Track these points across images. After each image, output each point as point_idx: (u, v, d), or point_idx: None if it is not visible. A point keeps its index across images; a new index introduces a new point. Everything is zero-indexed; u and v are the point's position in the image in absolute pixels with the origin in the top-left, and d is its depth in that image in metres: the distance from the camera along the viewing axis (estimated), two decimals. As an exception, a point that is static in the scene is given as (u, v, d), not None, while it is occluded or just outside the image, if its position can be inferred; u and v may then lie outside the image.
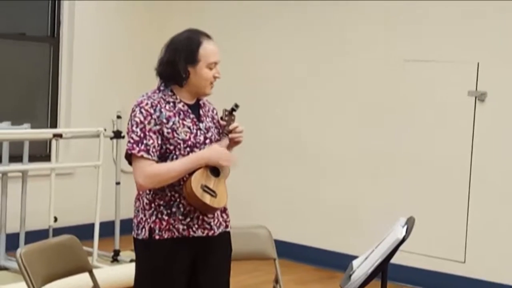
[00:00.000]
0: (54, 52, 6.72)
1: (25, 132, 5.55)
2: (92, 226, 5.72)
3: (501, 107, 5.40)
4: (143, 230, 3.01)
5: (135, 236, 3.06)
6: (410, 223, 2.80)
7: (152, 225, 2.98)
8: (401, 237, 2.64)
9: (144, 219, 3.01)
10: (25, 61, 6.69)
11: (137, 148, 2.94)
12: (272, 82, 6.62)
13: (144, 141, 2.94)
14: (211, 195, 2.97)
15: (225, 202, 3.06)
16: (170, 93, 3.04)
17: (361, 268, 2.75)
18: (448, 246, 5.60)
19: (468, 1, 5.54)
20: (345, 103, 6.21)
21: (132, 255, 6.13)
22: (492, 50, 5.43)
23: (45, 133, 5.88)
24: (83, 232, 5.55)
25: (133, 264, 5.73)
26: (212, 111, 3.18)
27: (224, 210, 3.12)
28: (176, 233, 2.98)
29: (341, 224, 6.18)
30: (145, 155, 2.94)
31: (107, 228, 6.06)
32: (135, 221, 3.06)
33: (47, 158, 6.31)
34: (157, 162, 2.96)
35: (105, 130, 5.81)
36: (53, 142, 5.88)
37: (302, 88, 6.46)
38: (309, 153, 6.41)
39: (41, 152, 6.50)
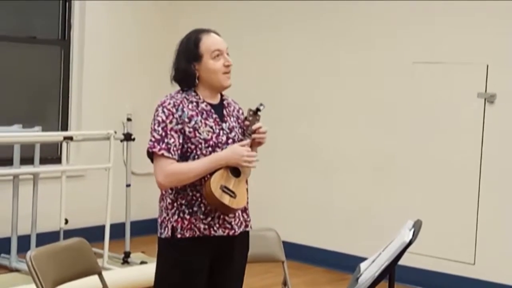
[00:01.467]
0: (65, 55, 6.76)
1: (36, 135, 5.60)
2: (102, 228, 5.75)
3: (511, 109, 5.39)
4: (166, 229, 3.03)
5: (158, 235, 3.09)
6: (417, 226, 2.80)
7: (174, 224, 3.01)
8: (407, 240, 2.64)
9: (167, 218, 3.04)
10: (36, 64, 6.73)
11: (158, 147, 2.97)
12: (282, 85, 6.64)
13: (165, 140, 2.97)
14: (230, 196, 2.97)
15: (245, 203, 3.08)
16: (193, 93, 3.07)
17: (368, 270, 2.76)
18: (458, 248, 5.60)
19: (477, 4, 5.53)
20: (354, 106, 6.21)
21: (143, 257, 6.17)
22: (501, 52, 5.42)
23: (56, 135, 5.94)
24: (94, 234, 5.59)
25: (143, 266, 5.79)
26: (238, 111, 3.19)
27: (244, 210, 3.14)
28: (198, 232, 3.00)
29: (351, 226, 6.18)
30: (166, 153, 2.96)
31: (117, 230, 6.09)
32: (159, 220, 3.09)
33: (58, 160, 6.35)
34: (178, 161, 2.98)
35: (115, 132, 5.84)
36: (64, 144, 5.92)
37: (311, 91, 6.47)
38: (318, 155, 6.41)
39: (52, 154, 6.54)
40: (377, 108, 6.06)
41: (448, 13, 5.68)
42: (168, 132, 2.98)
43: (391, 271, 2.72)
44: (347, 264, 5.74)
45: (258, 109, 3.12)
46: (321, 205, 6.38)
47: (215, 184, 2.95)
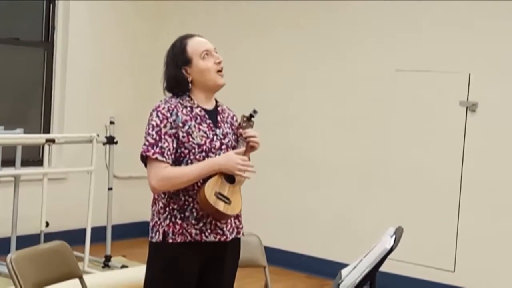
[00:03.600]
0: (48, 57, 6.73)
1: (18, 137, 5.56)
2: (83, 231, 5.73)
3: (492, 118, 5.44)
4: (157, 233, 3.03)
5: (149, 239, 3.09)
6: (398, 233, 2.82)
7: (166, 229, 3.01)
8: (389, 247, 2.66)
9: (158, 222, 3.04)
10: (19, 66, 6.70)
11: (152, 151, 2.97)
12: (266, 91, 6.65)
13: (159, 144, 2.97)
14: (225, 202, 2.98)
15: (239, 209, 3.07)
16: (187, 98, 3.08)
17: (350, 277, 2.77)
18: (438, 255, 5.63)
19: (459, 12, 5.58)
20: (337, 113, 6.23)
21: (123, 260, 6.15)
22: (483, 61, 5.47)
23: (38, 138, 5.90)
24: (75, 237, 5.56)
25: (124, 270, 5.77)
26: (232, 118, 3.20)
27: (237, 216, 3.13)
28: (189, 237, 3.00)
29: (332, 232, 6.20)
30: (160, 157, 2.96)
31: (98, 234, 6.07)
32: (150, 224, 3.09)
33: (39, 163, 6.32)
34: (171, 165, 2.99)
35: (98, 135, 5.82)
36: (46, 147, 5.90)
37: (294, 98, 6.48)
38: (301, 161, 6.43)
39: (33, 157, 6.51)
40: (360, 115, 6.08)
41: (431, 22, 5.72)
42: (162, 136, 2.97)
43: (372, 277, 2.74)
44: (329, 270, 5.76)
45: (251, 115, 3.15)
46: (303, 211, 6.39)
47: (209, 190, 2.95)
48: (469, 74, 5.50)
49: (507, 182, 5.35)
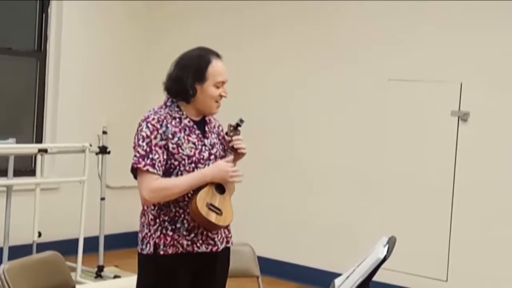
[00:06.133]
0: (40, 67, 6.72)
1: (11, 147, 5.56)
2: (76, 241, 5.72)
3: (484, 127, 5.45)
4: (148, 245, 3.03)
5: (139, 250, 3.08)
6: (391, 243, 2.82)
7: (157, 241, 3.01)
8: (382, 256, 2.66)
9: (149, 234, 3.04)
10: (11, 76, 6.68)
11: (143, 162, 2.97)
12: (260, 99, 6.65)
13: (150, 156, 2.97)
14: (217, 213, 2.99)
15: (231, 219, 3.09)
16: (176, 108, 3.08)
17: (343, 286, 2.77)
18: (431, 264, 5.63)
19: (452, 22, 5.61)
20: (329, 122, 6.24)
21: (116, 271, 6.14)
22: (475, 70, 5.49)
23: (30, 148, 5.90)
24: (67, 247, 5.54)
25: (117, 280, 5.74)
26: (218, 128, 3.22)
27: (226, 226, 3.14)
28: (181, 249, 3.01)
29: (325, 241, 6.20)
30: (151, 169, 2.96)
31: (91, 244, 6.05)
32: (140, 236, 3.09)
33: (32, 173, 6.30)
34: (162, 177, 2.99)
35: (90, 145, 5.82)
36: (38, 157, 5.89)
37: (289, 106, 6.49)
38: (294, 171, 6.43)
39: (26, 167, 6.48)
40: (352, 124, 6.09)
41: (423, 31, 5.74)
42: (153, 148, 2.98)
43: (365, 287, 2.73)
44: (321, 279, 5.75)
45: (238, 125, 3.18)
46: (296, 221, 6.38)
47: (201, 202, 2.97)
48: (461, 84, 5.52)
49: (499, 191, 5.36)
